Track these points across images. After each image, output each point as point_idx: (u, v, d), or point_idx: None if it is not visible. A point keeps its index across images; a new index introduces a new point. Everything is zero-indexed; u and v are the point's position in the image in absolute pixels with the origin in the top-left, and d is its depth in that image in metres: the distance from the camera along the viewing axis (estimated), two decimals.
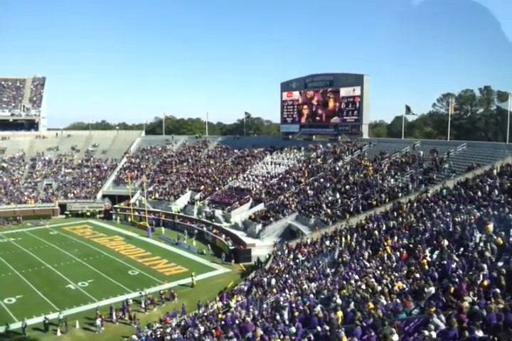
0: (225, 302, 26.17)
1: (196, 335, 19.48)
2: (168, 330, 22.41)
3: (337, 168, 46.79)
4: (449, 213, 24.98)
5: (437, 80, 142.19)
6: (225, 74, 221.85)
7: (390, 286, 17.32)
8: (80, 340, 24.79)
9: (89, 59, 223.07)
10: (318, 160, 51.65)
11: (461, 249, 18.67)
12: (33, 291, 31.48)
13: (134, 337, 23.03)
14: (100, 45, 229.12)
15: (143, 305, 28.82)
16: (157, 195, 58.84)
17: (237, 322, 19.77)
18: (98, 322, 25.70)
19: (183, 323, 23.89)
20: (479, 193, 26.62)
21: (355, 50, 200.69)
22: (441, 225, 23.20)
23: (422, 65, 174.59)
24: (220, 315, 22.76)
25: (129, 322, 26.46)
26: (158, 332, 22.53)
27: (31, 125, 77.38)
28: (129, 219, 54.97)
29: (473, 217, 22.23)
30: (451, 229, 21.77)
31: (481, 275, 14.09)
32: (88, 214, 59.55)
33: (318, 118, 57.99)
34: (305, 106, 59.25)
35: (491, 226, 19.32)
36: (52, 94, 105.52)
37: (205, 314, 24.71)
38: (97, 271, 35.84)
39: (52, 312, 27.34)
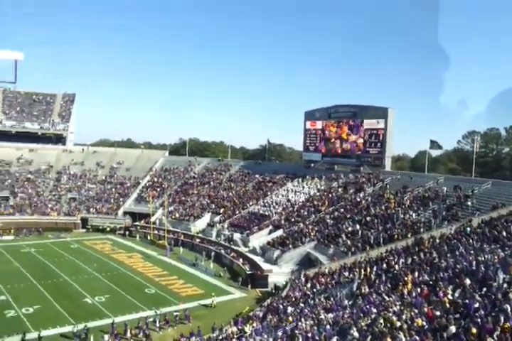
0: (239, 327, 26.09)
1: None
2: None
3: (358, 199, 46.77)
4: (472, 251, 24.76)
5: (462, 116, 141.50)
6: (250, 99, 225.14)
7: (410, 322, 17.24)
8: None
9: (119, 77, 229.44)
10: (339, 190, 51.72)
11: (484, 289, 18.50)
12: (51, 302, 31.88)
13: None
14: (132, 64, 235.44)
15: (157, 325, 28.89)
16: (177, 215, 59.41)
17: None
18: (106, 337, 25.88)
19: None
20: (504, 233, 26.38)
21: (381, 82, 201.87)
22: (464, 263, 23.00)
23: (446, 100, 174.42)
24: (234, 340, 22.76)
25: None
26: None
27: (59, 139, 79.43)
28: (149, 237, 55.44)
29: (496, 257, 22.01)
30: (474, 268, 21.57)
31: (504, 317, 14.03)
32: (108, 229, 60.33)
33: (340, 148, 58.31)
34: (328, 136, 59.72)
35: None
36: (81, 109, 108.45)
37: (220, 338, 24.68)
38: (114, 287, 36.16)
39: (67, 325, 27.67)
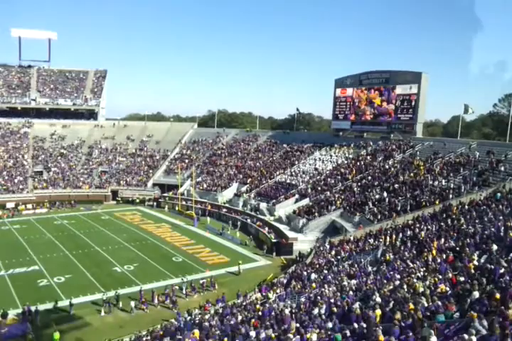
0: (263, 294, 26.33)
1: (233, 324, 19.72)
2: (207, 317, 22.81)
3: (387, 167, 45.75)
4: (501, 217, 23.93)
5: (499, 79, 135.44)
6: (279, 69, 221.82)
7: (433, 288, 16.86)
8: (123, 321, 25.67)
9: (149, 52, 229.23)
10: (368, 157, 50.70)
11: (511, 255, 17.85)
12: (82, 272, 32.90)
13: (174, 321, 23.61)
14: (159, 40, 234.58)
15: (184, 292, 29.50)
16: (205, 186, 59.88)
17: (274, 313, 19.89)
18: (132, 304, 26.61)
19: (221, 311, 24.25)
20: None
21: (414, 47, 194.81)
22: (492, 229, 22.28)
23: (483, 62, 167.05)
24: (258, 306, 22.94)
25: (171, 307, 27.18)
26: (197, 318, 22.98)
27: (91, 115, 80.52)
28: (177, 208, 56.32)
29: None
30: (502, 234, 20.86)
31: None
32: (138, 201, 61.57)
33: (371, 115, 56.80)
34: (358, 103, 58.21)
35: None
36: (112, 85, 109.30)
37: (244, 304, 24.97)
38: (142, 256, 37.01)
39: (97, 293, 28.58)
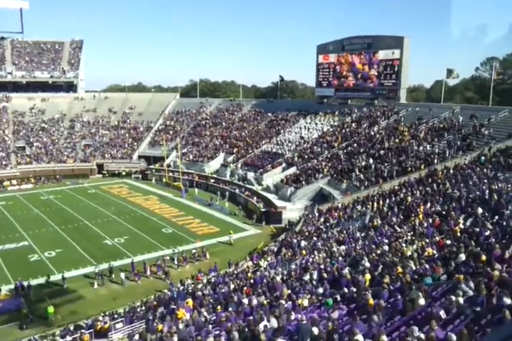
0: (255, 262, 26.77)
1: (226, 292, 20.11)
2: (200, 286, 23.21)
3: (372, 133, 45.92)
4: (486, 181, 24.37)
5: (481, 42, 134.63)
6: (260, 36, 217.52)
7: (420, 252, 17.29)
8: (116, 292, 26.02)
9: (126, 21, 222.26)
10: (353, 124, 50.74)
11: (496, 217, 18.29)
12: (72, 246, 32.96)
13: (167, 291, 23.98)
14: (137, 7, 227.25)
15: (175, 262, 29.82)
16: (191, 157, 59.66)
17: (265, 281, 20.30)
18: (122, 275, 26.92)
19: (213, 280, 24.67)
20: None
21: (396, 11, 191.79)
22: (477, 193, 22.72)
23: (464, 26, 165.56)
24: (249, 274, 23.36)
25: (163, 278, 27.54)
26: (190, 288, 23.37)
27: (69, 87, 78.43)
28: (164, 180, 56.20)
29: (510, 185, 21.63)
30: (487, 197, 21.30)
31: None
32: (124, 174, 61.25)
33: (354, 81, 56.40)
34: (341, 70, 57.65)
35: None
36: (90, 56, 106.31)
37: (236, 272, 25.39)
38: (132, 229, 37.13)
39: (89, 266, 28.73)
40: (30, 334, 20.64)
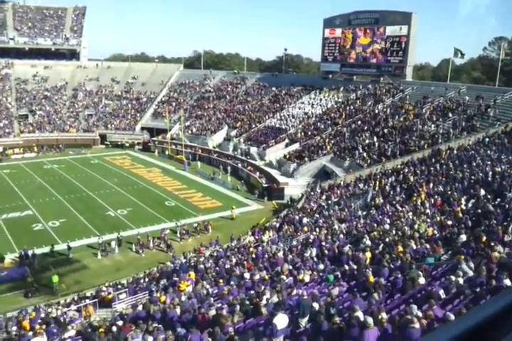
0: (257, 237, 27.08)
1: (228, 266, 20.47)
2: (202, 259, 23.59)
3: (376, 111, 45.64)
4: (489, 162, 24.40)
5: (489, 22, 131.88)
6: (266, 8, 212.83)
7: (421, 231, 17.49)
8: (119, 263, 26.48)
9: None
10: (358, 101, 50.35)
11: (498, 200, 18.43)
12: (75, 216, 33.27)
13: (169, 263, 24.39)
14: None
15: (178, 235, 30.18)
16: (194, 130, 59.43)
17: (267, 256, 20.62)
18: (113, 244, 27.44)
19: (215, 254, 25.05)
20: None
21: None
22: (480, 174, 22.79)
23: (473, 4, 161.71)
24: (251, 249, 23.68)
25: (166, 250, 27.96)
26: (192, 261, 23.77)
27: (72, 55, 77.50)
28: (167, 152, 56.25)
29: None
30: (489, 179, 21.39)
31: None
32: (127, 145, 61.15)
33: (360, 57, 55.57)
34: (347, 44, 56.73)
35: None
36: (93, 24, 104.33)
37: (237, 247, 25.75)
38: (135, 200, 37.35)
39: (93, 237, 29.11)
40: (35, 303, 21.00)
